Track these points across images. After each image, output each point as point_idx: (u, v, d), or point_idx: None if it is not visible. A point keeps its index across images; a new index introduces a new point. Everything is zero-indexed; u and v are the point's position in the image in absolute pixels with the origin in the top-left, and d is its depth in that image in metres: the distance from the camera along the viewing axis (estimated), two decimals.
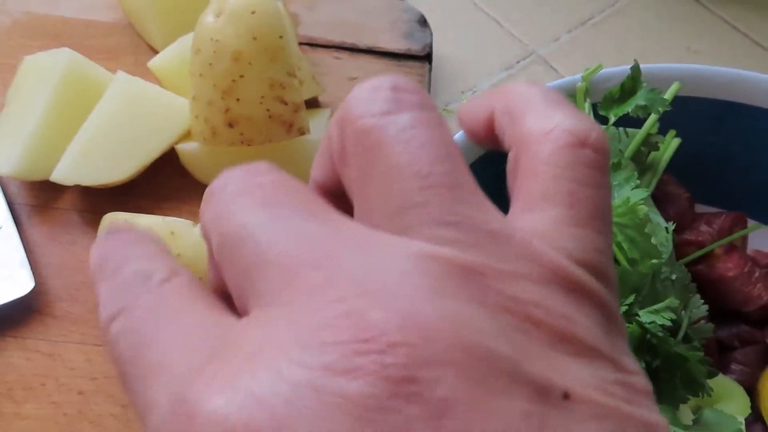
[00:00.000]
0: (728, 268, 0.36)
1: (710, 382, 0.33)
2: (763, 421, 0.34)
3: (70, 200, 0.41)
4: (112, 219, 0.36)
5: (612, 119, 0.35)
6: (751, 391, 0.35)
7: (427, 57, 0.49)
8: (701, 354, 0.30)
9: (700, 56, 0.57)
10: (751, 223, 0.39)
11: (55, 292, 0.38)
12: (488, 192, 0.41)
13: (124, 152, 0.39)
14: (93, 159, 0.39)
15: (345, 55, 0.48)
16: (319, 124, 0.42)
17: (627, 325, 0.28)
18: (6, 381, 0.35)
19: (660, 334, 0.28)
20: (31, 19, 0.48)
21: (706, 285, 0.35)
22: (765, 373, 0.35)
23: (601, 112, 0.35)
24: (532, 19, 0.57)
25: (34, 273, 0.38)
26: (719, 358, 0.36)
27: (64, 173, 0.39)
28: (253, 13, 0.36)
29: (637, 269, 0.29)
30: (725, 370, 0.35)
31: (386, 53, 0.49)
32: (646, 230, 0.30)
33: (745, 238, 0.39)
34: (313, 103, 0.45)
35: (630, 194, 0.32)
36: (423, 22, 0.50)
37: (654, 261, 0.29)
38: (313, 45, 0.48)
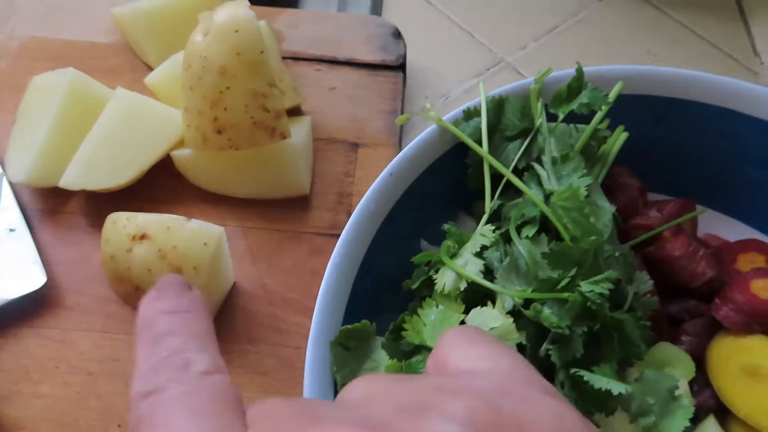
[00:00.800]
0: (675, 248, 0.39)
1: (658, 351, 0.37)
2: (711, 387, 0.37)
3: (76, 204, 0.45)
4: (160, 274, 0.35)
5: (561, 116, 0.38)
6: (701, 360, 0.38)
7: (401, 67, 0.53)
8: (635, 316, 0.33)
9: (660, 59, 0.61)
10: (699, 208, 0.42)
11: (65, 287, 0.42)
12: (454, 181, 0.44)
13: (125, 159, 0.43)
14: (96, 166, 0.43)
15: (325, 68, 0.53)
16: (300, 130, 0.46)
17: (569, 294, 0.31)
18: (24, 365, 0.39)
19: (598, 301, 0.31)
20: (37, 43, 0.52)
21: (656, 265, 0.39)
22: (712, 343, 0.38)
23: (552, 110, 0.39)
24: (500, 29, 0.61)
25: (45, 269, 0.42)
26: (670, 331, 0.39)
27: (70, 179, 0.43)
28: (236, 31, 0.41)
29: (579, 245, 0.32)
30: (676, 342, 0.38)
31: (363, 64, 0.53)
32: (586, 211, 0.33)
33: (695, 223, 0.43)
34: (295, 112, 0.49)
35: (575, 182, 0.35)
36: (397, 35, 0.55)
37: (593, 237, 0.32)
38: (296, 59, 0.53)
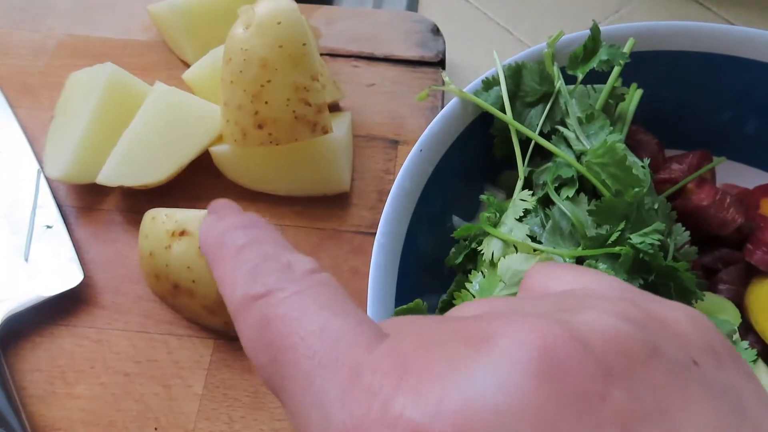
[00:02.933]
0: (702, 198, 0.39)
1: (702, 300, 0.36)
2: (754, 331, 0.37)
3: (113, 202, 0.44)
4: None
5: (580, 76, 0.38)
6: (740, 306, 0.38)
7: (440, 63, 0.52)
8: (689, 264, 0.33)
9: None
10: (715, 158, 0.42)
11: (102, 285, 0.41)
12: (479, 154, 0.45)
13: (163, 155, 0.42)
14: (134, 162, 0.42)
15: (363, 64, 0.51)
16: (341, 126, 0.45)
17: (621, 248, 0.31)
18: (59, 365, 0.38)
19: (651, 251, 0.31)
20: (74, 41, 0.52)
21: (685, 217, 0.39)
22: (750, 288, 0.38)
23: (569, 72, 0.38)
24: (539, 26, 0.59)
25: (82, 268, 0.41)
26: (706, 281, 0.39)
27: (108, 176, 0.42)
28: (278, 23, 0.40)
29: (623, 199, 0.32)
30: (714, 292, 0.38)
31: (401, 61, 0.52)
32: (628, 164, 0.33)
33: (713, 173, 0.43)
34: (334, 108, 0.48)
35: (607, 138, 0.35)
36: (436, 31, 0.53)
37: (637, 189, 0.32)
38: (333, 55, 0.52)
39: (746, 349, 0.33)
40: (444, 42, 0.53)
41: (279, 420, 0.36)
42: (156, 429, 0.36)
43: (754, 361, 0.34)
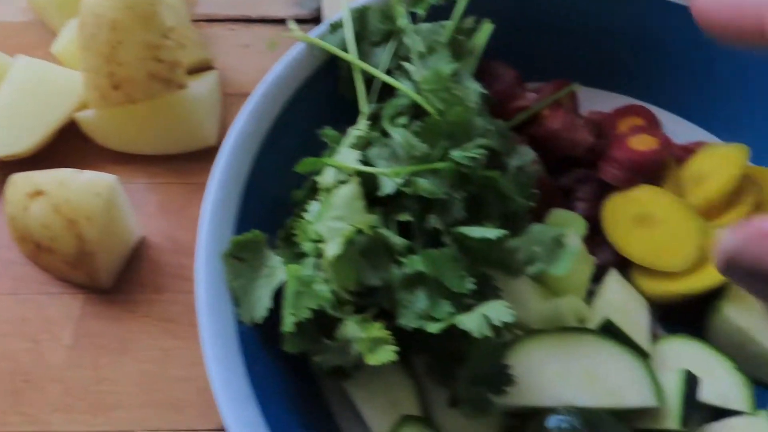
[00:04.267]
0: (553, 122, 0.42)
1: (552, 217, 0.40)
2: (610, 245, 0.40)
3: None
4: None
5: (420, 12, 0.39)
6: (598, 222, 0.41)
7: (315, 20, 0.53)
8: (511, 174, 0.35)
9: None
10: (574, 85, 0.44)
11: None
12: (334, 97, 0.45)
13: (27, 125, 0.43)
14: (1, 133, 0.43)
15: (239, 26, 0.52)
16: (204, 83, 0.46)
17: (442, 164, 0.33)
18: None
19: (471, 165, 0.33)
20: None
21: (541, 142, 0.41)
22: (605, 203, 0.41)
23: (410, 10, 0.40)
24: None
25: None
26: (566, 201, 0.42)
27: None
28: None
29: (446, 117, 0.34)
30: (572, 209, 0.41)
31: (276, 20, 0.53)
32: (452, 89, 0.34)
33: (575, 102, 0.45)
34: (205, 68, 0.49)
35: (441, 68, 0.36)
36: None
37: (459, 108, 0.33)
38: (210, 20, 0.53)
39: (571, 249, 0.34)
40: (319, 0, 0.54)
41: (144, 362, 0.38)
42: (27, 381, 0.37)
43: (599, 275, 0.37)
